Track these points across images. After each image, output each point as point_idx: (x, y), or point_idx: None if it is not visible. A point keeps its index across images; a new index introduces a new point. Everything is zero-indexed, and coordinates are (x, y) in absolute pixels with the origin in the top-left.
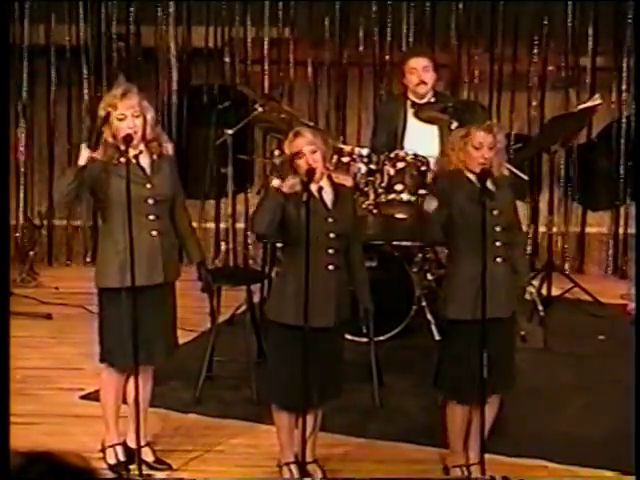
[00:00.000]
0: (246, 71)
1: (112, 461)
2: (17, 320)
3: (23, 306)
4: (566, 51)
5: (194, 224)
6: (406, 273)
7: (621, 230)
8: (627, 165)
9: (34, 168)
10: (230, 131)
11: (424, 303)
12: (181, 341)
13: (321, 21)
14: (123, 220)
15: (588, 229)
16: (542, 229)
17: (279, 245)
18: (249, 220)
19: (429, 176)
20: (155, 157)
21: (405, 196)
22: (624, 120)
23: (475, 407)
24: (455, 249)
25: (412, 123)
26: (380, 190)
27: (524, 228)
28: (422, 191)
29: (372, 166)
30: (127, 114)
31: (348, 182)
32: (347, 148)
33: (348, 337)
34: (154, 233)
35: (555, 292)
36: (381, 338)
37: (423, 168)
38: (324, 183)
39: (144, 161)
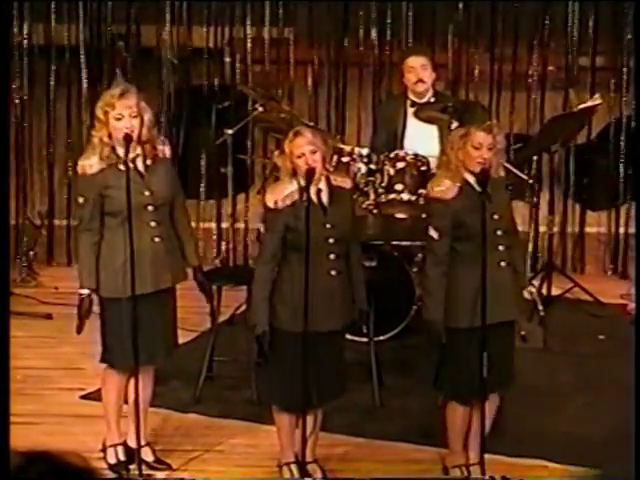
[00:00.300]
0: (246, 71)
1: (112, 461)
2: (17, 320)
3: (23, 306)
4: (566, 51)
5: (194, 224)
6: (406, 273)
7: (621, 230)
8: (627, 165)
9: (34, 168)
10: (230, 131)
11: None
12: (181, 341)
13: (321, 21)
14: (124, 230)
15: (588, 229)
16: (542, 229)
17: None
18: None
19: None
20: (149, 161)
21: (405, 196)
22: (624, 120)
23: (475, 407)
24: (458, 257)
25: (412, 123)
26: (380, 190)
27: (525, 228)
28: (422, 191)
29: (372, 166)
30: (125, 114)
31: (347, 184)
32: (347, 148)
33: (348, 337)
34: (157, 239)
35: (555, 292)
36: (381, 338)
37: (423, 168)
38: (322, 185)
39: (140, 166)
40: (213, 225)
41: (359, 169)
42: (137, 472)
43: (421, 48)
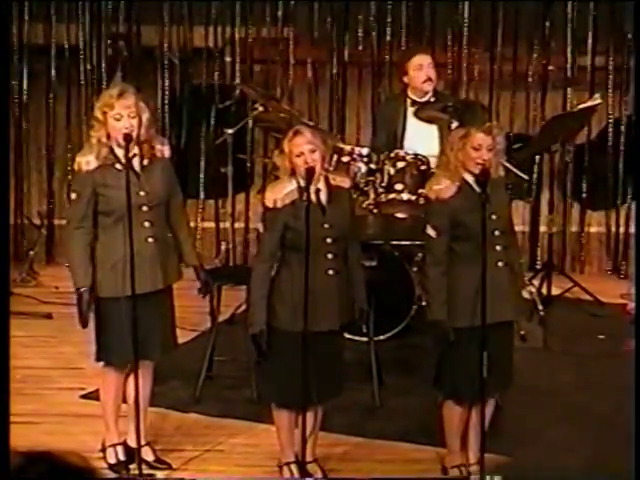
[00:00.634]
0: (247, 71)
1: (112, 460)
2: (17, 320)
3: (23, 306)
4: (566, 51)
5: (193, 224)
6: (406, 273)
7: (621, 230)
8: (627, 165)
9: (34, 168)
10: (230, 131)
11: (424, 303)
12: (181, 340)
13: (321, 21)
14: (117, 230)
15: (588, 229)
16: (542, 229)
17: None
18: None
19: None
20: (146, 161)
21: (405, 195)
22: (624, 120)
23: (474, 407)
24: (456, 257)
25: (412, 122)
26: (380, 190)
27: (525, 228)
28: (422, 190)
29: (372, 166)
30: (123, 114)
31: (346, 183)
32: (347, 148)
33: (348, 337)
34: (150, 240)
35: (555, 292)
36: (381, 338)
37: (423, 168)
38: (321, 185)
39: (137, 166)
40: (213, 225)
41: (359, 169)
42: (137, 472)
43: (424, 47)
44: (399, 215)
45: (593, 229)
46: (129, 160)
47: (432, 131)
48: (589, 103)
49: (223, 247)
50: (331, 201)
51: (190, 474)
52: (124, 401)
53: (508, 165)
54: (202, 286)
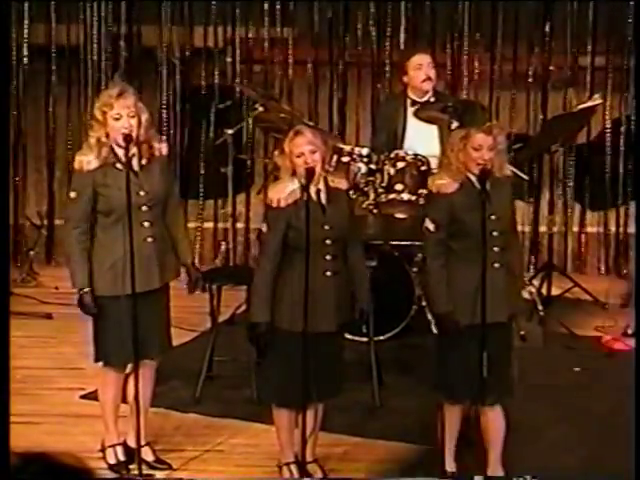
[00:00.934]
0: (247, 71)
1: (112, 461)
2: (17, 320)
3: (23, 306)
4: (566, 51)
5: (193, 224)
6: (406, 273)
7: (621, 230)
8: (627, 165)
9: (34, 168)
10: (230, 131)
11: (424, 303)
12: (181, 341)
13: (321, 21)
14: (117, 229)
15: (588, 229)
16: (542, 229)
17: None
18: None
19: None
20: (145, 161)
21: (405, 196)
22: (624, 120)
23: (483, 414)
24: (453, 255)
25: (412, 122)
26: (380, 190)
27: (525, 228)
28: (422, 191)
29: (372, 166)
30: (123, 114)
31: (343, 185)
32: (347, 148)
33: (348, 337)
34: (149, 240)
35: (555, 292)
36: (381, 338)
37: (423, 168)
38: (321, 186)
39: (136, 165)
40: (213, 225)
41: (359, 169)
42: (137, 472)
43: (423, 47)
44: (399, 215)
45: (593, 229)
46: (129, 160)
47: (432, 131)
48: (589, 103)
49: (223, 247)
50: (330, 202)
51: (190, 474)
52: (124, 401)
53: (509, 166)
54: (189, 282)
